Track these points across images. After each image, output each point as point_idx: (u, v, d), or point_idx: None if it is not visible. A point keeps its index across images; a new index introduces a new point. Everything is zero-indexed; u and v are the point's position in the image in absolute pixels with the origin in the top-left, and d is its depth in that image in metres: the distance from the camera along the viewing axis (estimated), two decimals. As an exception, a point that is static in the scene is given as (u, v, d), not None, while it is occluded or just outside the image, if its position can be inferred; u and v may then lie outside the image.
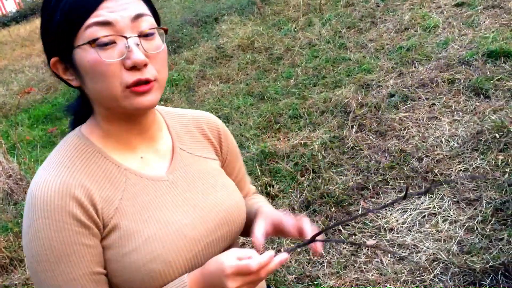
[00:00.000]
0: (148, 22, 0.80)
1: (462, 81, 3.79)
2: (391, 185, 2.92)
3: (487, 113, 3.26)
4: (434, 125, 3.39)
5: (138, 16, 0.77)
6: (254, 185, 3.27)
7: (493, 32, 4.38)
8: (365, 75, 4.40)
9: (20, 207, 3.49)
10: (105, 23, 0.74)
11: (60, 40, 0.77)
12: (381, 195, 2.87)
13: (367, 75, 4.37)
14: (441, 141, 3.18)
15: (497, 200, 2.50)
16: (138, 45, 0.77)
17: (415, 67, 4.29)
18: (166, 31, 0.85)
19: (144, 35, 0.79)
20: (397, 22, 5.36)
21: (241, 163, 1.11)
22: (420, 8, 5.46)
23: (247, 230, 1.00)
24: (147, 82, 0.79)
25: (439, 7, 5.38)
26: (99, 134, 0.86)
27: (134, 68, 0.77)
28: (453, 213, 2.55)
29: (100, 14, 0.74)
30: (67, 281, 0.77)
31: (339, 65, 4.77)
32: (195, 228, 0.86)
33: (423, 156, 3.07)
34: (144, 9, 0.81)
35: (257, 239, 0.89)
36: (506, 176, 2.64)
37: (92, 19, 0.74)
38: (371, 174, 3.06)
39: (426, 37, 4.79)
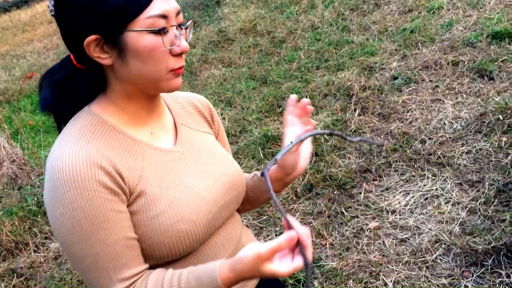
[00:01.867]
0: (182, 16, 0.89)
1: (466, 63, 3.76)
2: (394, 167, 2.92)
3: (491, 95, 3.23)
4: (437, 108, 3.37)
5: (179, 11, 0.87)
6: (257, 169, 3.27)
7: (498, 13, 4.32)
8: (368, 57, 4.36)
9: (24, 192, 3.51)
10: (163, 16, 0.82)
11: (113, 21, 0.81)
12: (384, 178, 2.87)
13: (370, 58, 4.34)
14: (444, 124, 3.17)
15: (500, 182, 2.50)
16: (182, 35, 0.87)
17: (418, 49, 4.25)
18: (194, 24, 0.89)
19: (184, 27, 0.88)
20: (400, 4, 5.29)
21: (227, 140, 1.19)
22: (424, -11, 5.39)
23: (245, 200, 1.12)
24: (182, 67, 0.89)
25: (443, -12, 5.31)
26: (113, 110, 0.90)
27: (179, 54, 0.86)
28: (456, 195, 2.55)
29: (158, 6, 0.82)
30: (104, 248, 0.80)
31: (342, 48, 4.73)
32: (211, 192, 0.94)
33: (426, 138, 3.06)
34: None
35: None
36: (510, 157, 2.63)
37: (152, 11, 0.81)
38: (373, 157, 3.05)
39: (430, 18, 4.73)
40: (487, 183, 2.52)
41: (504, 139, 2.78)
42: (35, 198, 3.31)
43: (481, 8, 4.60)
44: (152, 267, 0.89)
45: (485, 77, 3.52)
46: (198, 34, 6.56)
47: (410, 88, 3.70)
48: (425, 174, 2.78)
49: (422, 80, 3.77)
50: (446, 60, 3.86)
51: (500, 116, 2.93)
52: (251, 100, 4.27)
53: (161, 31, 0.82)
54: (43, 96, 0.91)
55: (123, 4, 0.80)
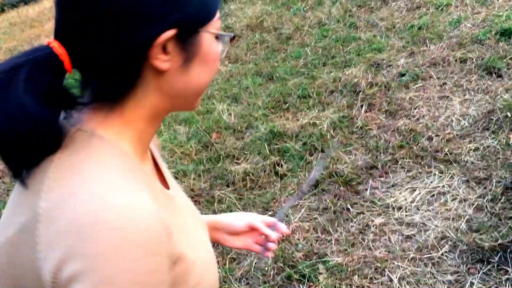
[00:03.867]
0: None
1: (474, 60, 3.73)
2: (401, 164, 2.90)
3: (499, 92, 3.21)
4: (445, 105, 3.35)
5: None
6: (263, 165, 3.24)
7: (506, 10, 4.28)
8: (375, 54, 4.34)
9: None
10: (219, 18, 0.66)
11: (194, 16, 0.60)
12: (390, 174, 2.86)
13: (378, 55, 4.32)
14: (452, 121, 3.15)
15: (507, 179, 2.48)
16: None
17: (426, 46, 4.22)
18: None
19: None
20: (408, 1, 5.26)
21: None
22: (433, -14, 5.36)
23: None
24: None
25: (452, -15, 5.27)
26: (130, 137, 0.63)
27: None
28: (463, 192, 2.54)
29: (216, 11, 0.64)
30: None
31: (349, 45, 4.71)
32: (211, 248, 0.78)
33: (433, 135, 3.04)
34: None
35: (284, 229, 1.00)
36: (517, 155, 2.61)
37: (218, 13, 0.65)
38: (380, 153, 3.04)
39: (438, 15, 4.70)
40: (494, 180, 2.51)
41: (512, 136, 2.77)
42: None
43: (489, 5, 4.56)
44: None
45: (493, 74, 3.50)
46: (204, 31, 6.57)
47: (417, 85, 3.68)
48: (431, 171, 2.77)
49: (430, 77, 3.74)
50: (454, 57, 3.84)
51: (508, 113, 2.91)
52: (257, 96, 4.26)
53: (232, 39, 0.66)
54: (24, 108, 0.53)
55: (211, 1, 0.62)
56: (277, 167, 3.16)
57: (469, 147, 2.84)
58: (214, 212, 2.91)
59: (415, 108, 3.42)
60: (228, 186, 3.16)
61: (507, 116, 2.91)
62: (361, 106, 3.60)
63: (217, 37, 0.64)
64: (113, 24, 0.56)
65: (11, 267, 0.56)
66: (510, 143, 2.72)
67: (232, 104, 4.26)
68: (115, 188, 0.54)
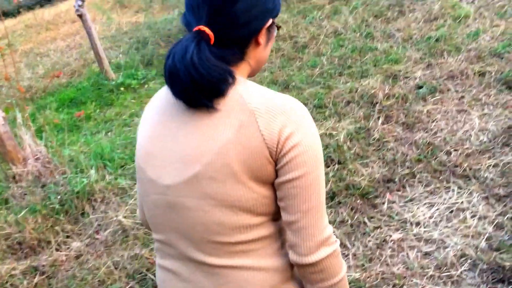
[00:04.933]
0: None
1: (493, 73, 3.70)
2: (418, 178, 2.88)
3: (519, 108, 3.18)
4: (463, 119, 3.33)
5: None
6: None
7: (527, 23, 4.25)
8: (392, 65, 4.33)
9: (47, 190, 3.56)
10: None
11: (275, 12, 0.94)
12: (407, 188, 2.84)
13: (394, 66, 4.30)
14: (470, 135, 3.12)
15: (528, 197, 2.45)
16: None
17: (444, 58, 4.20)
18: None
19: None
20: (426, 12, 5.25)
21: None
22: (450, -3, 5.34)
23: None
24: None
25: (470, -4, 5.25)
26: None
27: None
28: (482, 209, 2.51)
29: None
30: (323, 182, 0.91)
31: (365, 55, 4.70)
32: None
33: (452, 149, 3.02)
34: None
35: None
36: (539, 173, 2.58)
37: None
38: (397, 166, 3.02)
39: (456, 27, 4.68)
40: (515, 198, 2.48)
41: (533, 153, 2.73)
42: (58, 197, 3.35)
43: (508, 18, 4.53)
44: None
45: (513, 89, 3.47)
46: (220, 37, 6.59)
47: (435, 98, 3.66)
48: (450, 186, 2.74)
49: (448, 89, 3.72)
50: (472, 70, 3.81)
51: (529, 129, 2.88)
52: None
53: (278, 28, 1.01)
54: (185, 69, 0.85)
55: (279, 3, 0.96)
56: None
57: (489, 163, 2.81)
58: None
59: (432, 121, 3.39)
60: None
61: (528, 132, 2.88)
62: (378, 117, 3.58)
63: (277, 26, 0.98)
64: (250, 17, 0.88)
65: (242, 154, 0.85)
66: (531, 160, 2.70)
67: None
68: (279, 95, 0.91)
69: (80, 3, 5.97)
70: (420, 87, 3.84)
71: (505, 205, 2.48)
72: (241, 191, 0.87)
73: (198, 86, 0.83)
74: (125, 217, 3.09)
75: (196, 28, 0.86)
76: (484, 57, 3.97)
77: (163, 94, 0.98)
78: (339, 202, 2.85)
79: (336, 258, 0.90)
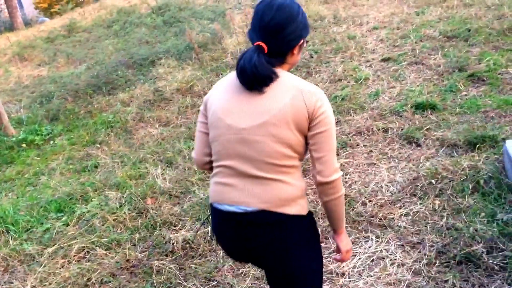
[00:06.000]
0: None
1: (395, 130, 4.07)
2: (339, 229, 2.99)
3: (421, 161, 3.51)
4: (373, 171, 3.58)
5: None
6: (203, 232, 3.15)
7: (418, 86, 4.79)
8: (305, 122, 4.56)
9: None
10: None
11: (305, 34, 1.54)
12: (330, 240, 2.94)
13: (307, 122, 4.54)
14: (382, 187, 3.36)
15: (438, 243, 2.66)
16: None
17: (351, 115, 4.54)
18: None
19: None
20: (330, 73, 5.69)
21: None
22: (351, 61, 5.87)
23: None
24: None
25: (367, 61, 5.81)
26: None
27: None
28: (400, 257, 2.67)
29: None
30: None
31: (279, 112, 4.91)
32: None
33: (367, 201, 3.21)
34: None
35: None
36: (444, 220, 2.83)
37: None
38: (319, 218, 3.13)
39: (358, 88, 5.12)
40: (427, 244, 2.68)
41: (437, 202, 3.00)
42: None
43: (402, 80, 5.07)
44: None
45: (413, 144, 3.83)
46: (132, 93, 6.50)
47: (346, 152, 3.91)
48: (369, 236, 2.89)
49: (357, 144, 4.00)
50: (377, 127, 4.16)
51: (432, 180, 3.17)
52: (192, 161, 4.24)
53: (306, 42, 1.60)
54: (264, 71, 1.47)
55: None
56: (218, 234, 3.10)
57: (400, 212, 3.03)
58: (153, 285, 2.76)
59: (347, 174, 3.60)
60: (167, 255, 3.03)
61: (431, 183, 3.17)
62: (296, 172, 3.71)
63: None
64: (290, 40, 1.48)
65: (292, 113, 1.44)
66: (436, 208, 2.95)
67: (166, 168, 4.18)
68: (307, 83, 1.51)
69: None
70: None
71: (419, 252, 2.66)
72: (290, 134, 1.47)
73: (256, 79, 1.45)
74: (34, 287, 2.79)
75: (256, 43, 1.46)
76: (386, 115, 4.36)
77: (233, 78, 1.55)
78: (266, 257, 2.85)
79: (341, 181, 1.53)
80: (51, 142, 5.77)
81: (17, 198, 4.25)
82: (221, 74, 6.34)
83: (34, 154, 5.48)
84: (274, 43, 1.46)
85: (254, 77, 1.43)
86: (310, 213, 1.62)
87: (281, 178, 1.50)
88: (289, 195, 1.50)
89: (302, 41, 1.50)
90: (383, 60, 5.69)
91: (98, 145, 5.24)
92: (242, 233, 1.55)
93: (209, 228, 3.14)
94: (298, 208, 1.53)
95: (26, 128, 6.19)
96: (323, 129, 1.46)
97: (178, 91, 6.13)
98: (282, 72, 1.49)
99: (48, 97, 7.31)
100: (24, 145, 5.72)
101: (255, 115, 1.48)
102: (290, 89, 1.46)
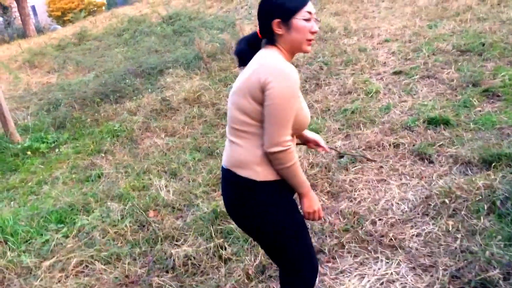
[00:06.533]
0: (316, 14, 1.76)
1: (406, 145, 3.95)
2: (347, 249, 2.87)
3: (433, 178, 3.38)
4: (383, 188, 3.45)
5: (315, 13, 1.75)
6: (205, 248, 3.05)
7: (430, 100, 4.67)
8: (313, 135, 4.45)
9: None
10: (310, 13, 1.71)
11: (291, 13, 1.69)
12: (338, 260, 2.81)
13: (316, 136, 4.43)
14: (392, 204, 3.23)
15: (452, 267, 2.52)
16: (316, 23, 1.75)
17: (361, 129, 4.43)
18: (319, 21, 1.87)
19: (316, 20, 1.76)
20: (340, 85, 5.59)
21: None
22: (361, 74, 5.76)
23: None
24: (312, 40, 1.77)
25: (378, 74, 5.71)
26: (285, 56, 1.76)
27: (313, 33, 1.73)
28: (411, 280, 2.53)
29: (308, 7, 1.71)
30: (294, 112, 1.71)
31: (287, 124, 4.81)
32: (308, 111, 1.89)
33: (376, 219, 3.08)
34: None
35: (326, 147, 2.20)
36: (458, 242, 2.69)
37: (306, 8, 1.71)
38: (326, 237, 3.01)
39: (369, 101, 5.01)
40: (440, 268, 2.54)
41: (450, 222, 2.86)
42: None
43: (414, 94, 4.95)
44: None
45: (425, 160, 3.70)
46: (139, 102, 6.45)
47: (356, 167, 3.79)
48: (378, 257, 2.76)
49: (367, 160, 3.88)
50: (387, 141, 4.04)
51: (445, 199, 3.03)
52: (197, 172, 4.14)
53: (308, 20, 1.71)
54: (239, 48, 1.81)
55: (299, 4, 1.70)
56: (221, 250, 3.00)
57: (412, 232, 2.90)
58: (152, 302, 2.65)
59: (356, 190, 3.48)
60: (167, 271, 2.92)
61: (444, 202, 3.04)
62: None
63: (304, 19, 1.71)
64: (262, 21, 1.77)
65: (248, 84, 1.67)
66: (450, 229, 2.82)
67: (170, 180, 4.09)
68: (282, 61, 1.69)
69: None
70: (341, 157, 3.97)
71: (431, 276, 2.53)
72: (245, 102, 1.68)
73: (236, 58, 1.83)
74: (29, 302, 2.69)
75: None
76: (397, 130, 4.24)
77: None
78: (270, 276, 2.73)
79: (287, 154, 1.67)
80: (56, 150, 5.71)
81: (19, 207, 4.17)
82: (229, 84, 6.26)
83: (39, 162, 5.42)
84: (260, 25, 1.77)
85: (240, 55, 1.80)
86: (273, 182, 1.75)
87: (237, 141, 1.74)
88: (243, 158, 1.72)
89: (277, 20, 1.70)
90: (395, 73, 5.58)
91: (103, 154, 5.17)
92: (222, 190, 1.90)
93: (211, 244, 3.03)
94: (250, 173, 1.73)
95: (32, 136, 6.14)
96: (269, 103, 1.62)
97: (186, 100, 6.05)
98: (262, 51, 1.75)
99: (55, 104, 7.28)
100: (29, 152, 5.67)
101: (233, 87, 1.77)
102: (254, 64, 1.70)
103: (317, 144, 2.16)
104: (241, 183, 1.75)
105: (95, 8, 23.50)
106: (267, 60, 1.68)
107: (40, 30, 18.90)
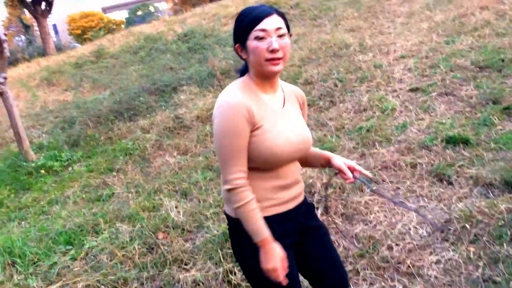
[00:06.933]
0: (282, 30, 1.59)
1: (424, 165, 3.81)
2: (362, 276, 2.74)
3: (453, 201, 3.23)
4: (400, 211, 3.31)
5: (278, 28, 1.58)
6: (214, 273, 2.96)
7: (448, 118, 4.52)
8: (327, 154, 4.34)
9: None
10: (263, 30, 1.56)
11: (244, 35, 1.59)
12: (352, 287, 2.68)
13: (330, 155, 4.32)
14: (410, 228, 3.09)
15: (474, 298, 2.38)
16: (276, 41, 1.56)
17: (376, 148, 4.30)
18: (290, 35, 1.65)
19: (279, 36, 1.58)
20: (355, 103, 5.48)
21: (306, 117, 1.88)
22: (377, 91, 5.64)
23: (305, 161, 1.88)
24: (278, 59, 1.58)
25: (394, 90, 5.58)
26: (254, 82, 1.66)
27: (272, 51, 1.56)
28: (430, 311, 2.39)
29: (262, 25, 1.56)
30: (233, 147, 1.55)
31: (301, 143, 4.71)
32: (294, 138, 1.67)
33: (393, 244, 2.94)
34: (282, 23, 1.60)
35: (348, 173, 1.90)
36: (480, 270, 2.54)
37: (259, 26, 1.56)
38: (340, 262, 2.87)
39: (384, 119, 4.88)
40: (461, 299, 2.39)
41: (472, 249, 2.72)
42: None
43: (432, 112, 4.82)
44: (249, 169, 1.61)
45: (444, 181, 3.55)
46: (153, 119, 6.43)
47: (371, 188, 3.66)
48: (395, 286, 2.62)
49: (383, 180, 3.75)
50: (404, 161, 3.91)
51: (466, 224, 2.89)
52: (208, 192, 4.06)
53: (262, 38, 1.56)
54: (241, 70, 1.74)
55: (247, 25, 1.58)
56: (230, 275, 2.89)
57: (431, 259, 2.75)
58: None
59: (371, 213, 3.35)
60: (175, 298, 2.82)
61: (464, 226, 2.89)
62: (317, 208, 3.48)
63: (256, 38, 1.58)
64: (234, 43, 1.68)
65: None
66: (471, 256, 2.67)
67: (181, 200, 4.01)
68: (228, 94, 1.61)
69: (1, 80, 5.61)
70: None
71: (452, 307, 2.38)
72: None
73: None
74: (32, 328, 2.62)
75: None
76: (414, 149, 4.10)
77: None
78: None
79: (234, 194, 1.57)
80: (70, 168, 5.71)
81: (29, 227, 4.14)
82: (243, 102, 6.21)
83: (52, 180, 5.41)
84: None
85: None
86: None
87: None
88: (222, 192, 1.71)
89: (237, 44, 1.65)
90: (411, 90, 5.45)
91: (115, 173, 5.13)
92: None
93: (220, 269, 2.93)
94: (228, 209, 1.72)
95: (46, 154, 6.16)
96: (213, 139, 1.64)
97: (198, 118, 6.01)
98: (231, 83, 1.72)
99: (70, 122, 7.32)
100: (42, 171, 5.67)
101: None
102: None
103: (342, 171, 1.84)
104: (226, 217, 1.76)
105: (114, 27, 23.90)
106: (221, 93, 1.63)
107: (60, 48, 19.26)
